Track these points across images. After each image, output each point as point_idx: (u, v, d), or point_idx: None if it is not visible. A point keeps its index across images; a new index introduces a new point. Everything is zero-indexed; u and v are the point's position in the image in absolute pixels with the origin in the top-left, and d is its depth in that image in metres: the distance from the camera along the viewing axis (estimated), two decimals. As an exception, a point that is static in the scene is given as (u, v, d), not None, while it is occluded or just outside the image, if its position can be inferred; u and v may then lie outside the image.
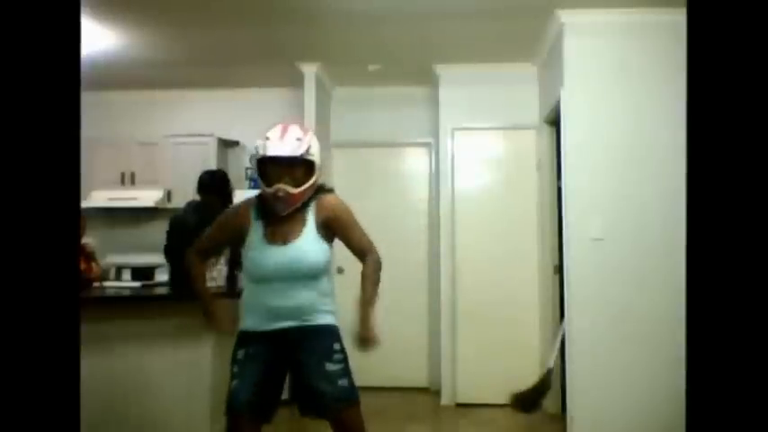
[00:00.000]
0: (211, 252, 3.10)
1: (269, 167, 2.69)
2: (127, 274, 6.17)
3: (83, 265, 5.23)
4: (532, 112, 5.91)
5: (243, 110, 6.83)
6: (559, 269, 5.23)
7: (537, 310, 5.76)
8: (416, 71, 6.15)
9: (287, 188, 2.64)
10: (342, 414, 2.67)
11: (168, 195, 6.41)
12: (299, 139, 2.68)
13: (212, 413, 4.00)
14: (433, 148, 6.47)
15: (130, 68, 6.07)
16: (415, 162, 6.69)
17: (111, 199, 6.38)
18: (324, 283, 2.79)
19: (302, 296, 2.71)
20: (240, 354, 2.72)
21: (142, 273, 5.84)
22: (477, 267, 5.85)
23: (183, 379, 3.96)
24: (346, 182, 6.53)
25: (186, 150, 6.46)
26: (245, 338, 2.75)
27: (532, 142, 5.92)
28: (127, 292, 4.64)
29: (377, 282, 2.83)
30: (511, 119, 5.98)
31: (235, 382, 2.67)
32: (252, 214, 2.77)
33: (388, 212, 6.46)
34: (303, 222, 2.74)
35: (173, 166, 6.43)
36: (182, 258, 4.56)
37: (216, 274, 4.31)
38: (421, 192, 6.63)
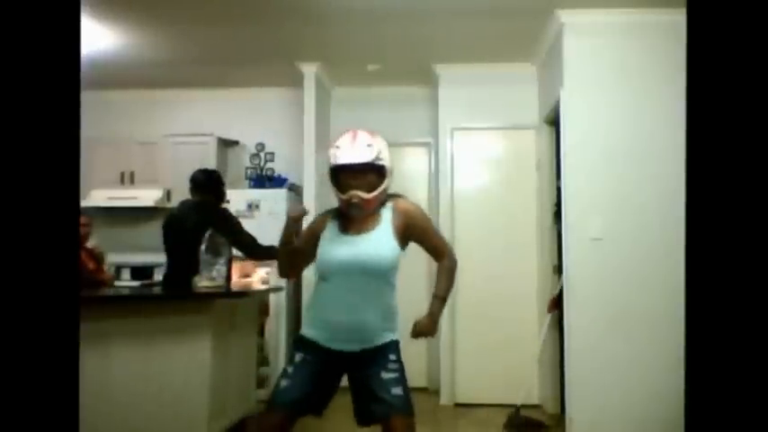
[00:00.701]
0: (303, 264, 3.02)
1: (341, 175, 2.71)
2: (126, 274, 6.17)
3: (92, 266, 5.24)
4: (532, 112, 5.91)
5: (242, 109, 6.84)
6: (558, 269, 5.24)
7: (536, 309, 5.75)
8: (416, 71, 6.16)
9: (360, 194, 2.66)
10: (394, 422, 2.67)
11: (168, 195, 6.41)
12: (369, 146, 2.70)
13: (211, 413, 4.01)
14: (433, 147, 6.47)
15: (130, 68, 6.07)
16: (415, 162, 6.69)
17: (110, 198, 6.38)
18: (390, 295, 2.84)
19: (369, 314, 2.72)
20: (298, 357, 2.74)
21: (141, 272, 5.84)
22: (477, 267, 5.85)
23: (183, 378, 3.96)
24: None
25: (186, 150, 6.46)
26: (306, 345, 2.75)
27: (532, 142, 5.92)
28: (126, 292, 4.64)
29: (453, 279, 2.91)
30: (510, 119, 5.98)
31: (286, 382, 2.69)
32: (329, 217, 2.84)
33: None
34: (379, 221, 2.78)
35: (172, 166, 6.43)
36: (180, 258, 4.56)
37: (215, 274, 4.30)
38: (420, 192, 6.62)
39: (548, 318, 5.28)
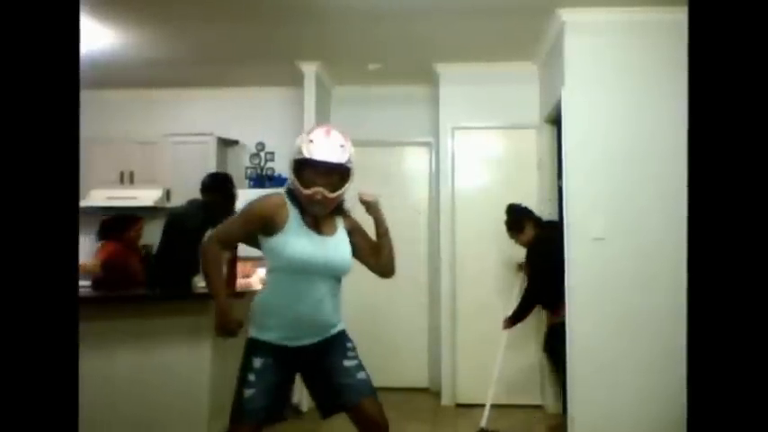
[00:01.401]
0: (234, 244, 3.08)
1: (308, 170, 2.70)
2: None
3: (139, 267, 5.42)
4: (533, 111, 5.90)
5: (242, 109, 6.82)
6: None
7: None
8: (417, 70, 6.14)
9: (325, 192, 2.66)
10: (364, 404, 2.71)
11: (167, 195, 6.39)
12: (342, 146, 2.69)
13: (211, 412, 4.00)
14: (434, 147, 6.46)
15: (130, 67, 6.05)
16: (416, 161, 6.67)
17: (110, 198, 6.36)
18: (339, 289, 2.84)
19: (328, 308, 2.74)
20: (257, 363, 2.69)
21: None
22: (478, 267, 5.84)
23: (183, 379, 3.96)
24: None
25: (185, 150, 6.44)
26: (264, 348, 2.72)
27: (533, 142, 5.90)
28: (126, 292, 4.62)
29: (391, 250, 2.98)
30: (511, 118, 5.96)
31: (251, 391, 2.64)
32: (288, 204, 2.77)
33: (388, 212, 6.36)
34: (334, 224, 2.83)
35: (172, 166, 6.42)
36: (179, 256, 4.53)
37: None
38: (421, 191, 6.61)
39: (504, 336, 5.17)
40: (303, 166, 2.71)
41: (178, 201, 6.29)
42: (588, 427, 4.57)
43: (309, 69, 6.03)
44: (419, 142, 6.61)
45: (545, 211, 5.63)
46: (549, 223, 5.33)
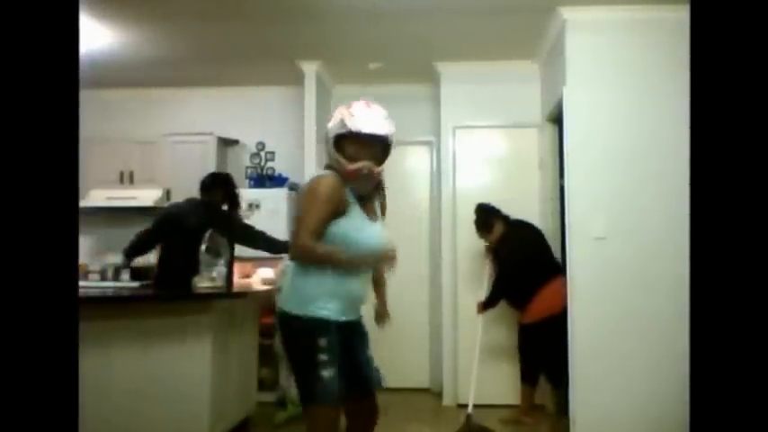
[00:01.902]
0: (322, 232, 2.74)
1: (349, 144, 2.61)
2: (125, 274, 6.11)
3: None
4: (534, 110, 5.88)
5: (243, 108, 6.80)
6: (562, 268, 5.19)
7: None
8: (417, 69, 6.12)
9: (371, 166, 2.58)
10: (374, 396, 2.77)
11: (167, 194, 6.36)
12: (386, 118, 2.63)
13: (212, 413, 3.98)
14: (435, 146, 6.43)
15: (129, 67, 6.04)
16: (417, 161, 6.65)
17: (109, 198, 6.33)
18: None
19: (367, 285, 2.80)
20: (323, 342, 2.56)
21: (141, 273, 5.78)
22: (479, 266, 5.81)
23: (183, 379, 3.94)
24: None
25: (185, 149, 6.42)
26: (325, 326, 2.60)
27: (534, 141, 5.88)
28: (126, 292, 4.61)
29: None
30: (513, 117, 5.94)
31: (330, 371, 2.53)
32: (344, 186, 2.64)
33: (389, 211, 6.41)
34: (374, 207, 2.77)
35: (172, 165, 6.40)
36: (178, 256, 4.51)
37: (215, 275, 4.27)
38: (422, 191, 6.59)
39: (480, 320, 5.31)
40: (344, 142, 2.61)
41: (178, 200, 6.27)
42: (589, 428, 4.55)
43: (310, 68, 6.02)
44: (420, 141, 6.59)
45: (547, 211, 5.61)
46: (519, 222, 5.36)
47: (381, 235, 2.71)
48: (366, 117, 2.58)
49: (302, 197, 2.67)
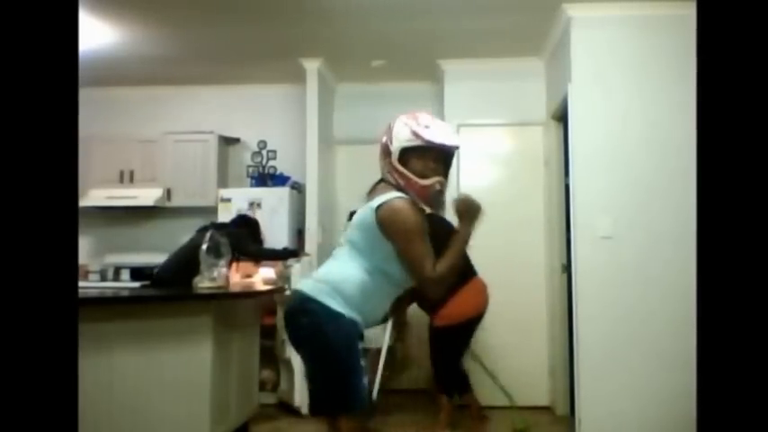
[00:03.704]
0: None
1: (416, 159, 2.44)
2: (126, 275, 6.10)
3: None
4: (539, 107, 5.83)
5: (244, 106, 6.76)
6: (567, 268, 5.15)
7: (544, 309, 5.67)
8: (421, 67, 6.08)
9: (443, 181, 2.48)
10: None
11: (168, 194, 6.33)
12: (452, 130, 2.60)
13: (213, 414, 3.95)
14: (439, 145, 6.38)
15: (129, 64, 6.01)
16: (420, 159, 6.59)
17: (109, 198, 6.29)
18: None
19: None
20: (360, 346, 2.44)
21: (141, 273, 5.75)
22: (483, 266, 5.75)
23: (183, 380, 3.93)
24: (349, 180, 6.46)
25: (186, 148, 6.38)
26: (358, 330, 2.46)
27: (539, 138, 5.84)
28: (126, 293, 4.59)
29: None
30: (517, 115, 5.90)
31: (364, 379, 2.41)
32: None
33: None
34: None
35: (172, 164, 6.36)
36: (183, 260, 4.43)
37: (216, 275, 4.23)
38: (425, 189, 6.54)
39: (388, 324, 5.01)
40: (410, 156, 2.45)
41: (178, 200, 6.25)
42: (595, 427, 4.51)
43: (312, 66, 5.98)
44: (423, 140, 6.53)
45: (552, 210, 5.57)
46: (437, 218, 5.13)
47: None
48: (440, 128, 2.46)
49: (391, 230, 2.44)
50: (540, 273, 5.74)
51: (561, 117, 5.33)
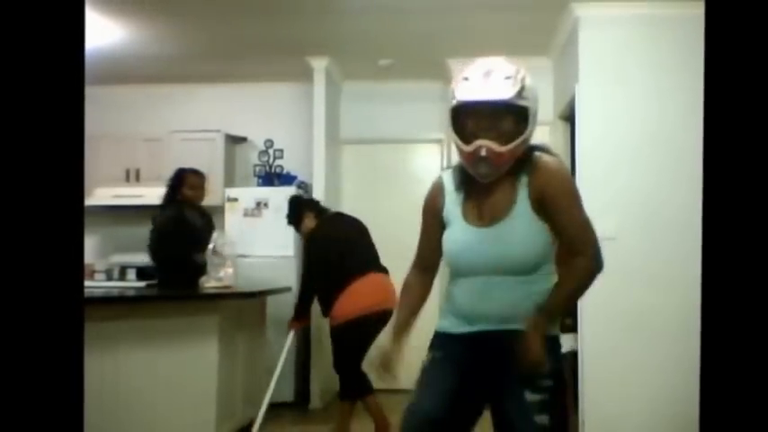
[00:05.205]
0: (427, 262, 2.38)
1: (465, 118, 2.01)
2: (132, 274, 6.10)
3: None
4: (546, 107, 5.78)
5: (251, 105, 6.75)
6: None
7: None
8: (428, 65, 6.05)
9: (491, 145, 1.95)
10: None
11: (174, 192, 6.31)
12: (508, 78, 1.98)
13: (219, 413, 3.96)
14: (446, 144, 6.37)
15: (136, 62, 6.01)
16: (427, 159, 6.59)
17: (115, 196, 6.28)
18: (542, 279, 2.10)
19: (510, 297, 2.07)
20: (427, 358, 2.16)
21: (147, 272, 5.75)
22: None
23: (189, 379, 3.95)
24: (356, 179, 6.45)
25: (193, 146, 6.36)
26: (437, 341, 2.19)
27: (546, 138, 5.80)
28: (132, 292, 4.60)
29: (573, 292, 2.18)
30: (524, 114, 5.86)
31: (414, 394, 2.12)
32: (446, 186, 2.19)
33: (400, 211, 6.33)
34: (513, 194, 2.06)
35: (179, 163, 6.31)
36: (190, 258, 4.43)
37: (223, 275, 4.23)
38: (432, 189, 6.53)
39: (289, 336, 4.83)
40: (458, 116, 2.03)
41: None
42: (599, 428, 4.51)
43: (319, 65, 5.98)
44: (431, 139, 6.54)
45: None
46: (335, 216, 4.95)
47: (481, 248, 2.09)
48: (477, 81, 2.01)
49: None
50: (546, 273, 5.71)
51: (568, 117, 5.31)
